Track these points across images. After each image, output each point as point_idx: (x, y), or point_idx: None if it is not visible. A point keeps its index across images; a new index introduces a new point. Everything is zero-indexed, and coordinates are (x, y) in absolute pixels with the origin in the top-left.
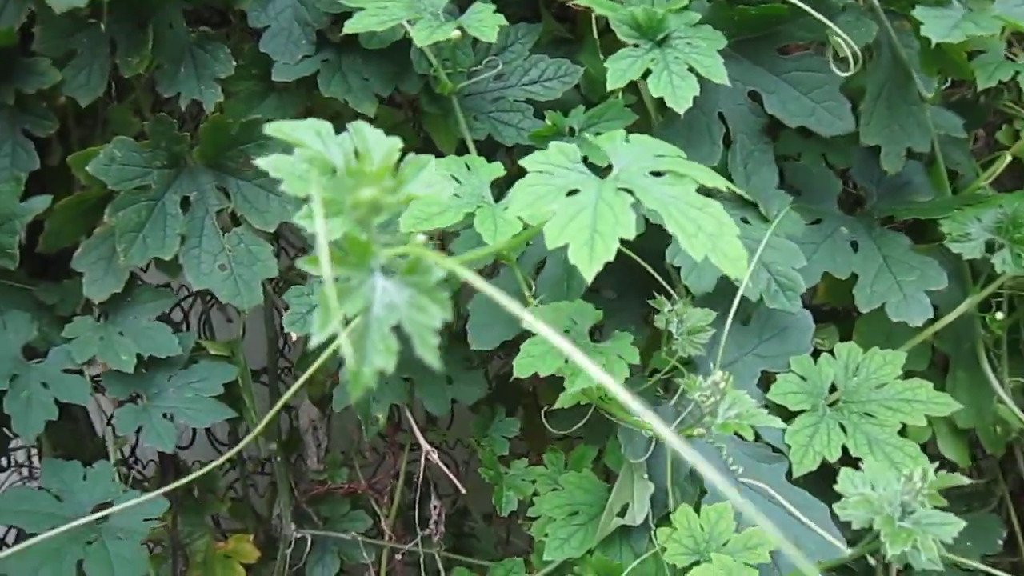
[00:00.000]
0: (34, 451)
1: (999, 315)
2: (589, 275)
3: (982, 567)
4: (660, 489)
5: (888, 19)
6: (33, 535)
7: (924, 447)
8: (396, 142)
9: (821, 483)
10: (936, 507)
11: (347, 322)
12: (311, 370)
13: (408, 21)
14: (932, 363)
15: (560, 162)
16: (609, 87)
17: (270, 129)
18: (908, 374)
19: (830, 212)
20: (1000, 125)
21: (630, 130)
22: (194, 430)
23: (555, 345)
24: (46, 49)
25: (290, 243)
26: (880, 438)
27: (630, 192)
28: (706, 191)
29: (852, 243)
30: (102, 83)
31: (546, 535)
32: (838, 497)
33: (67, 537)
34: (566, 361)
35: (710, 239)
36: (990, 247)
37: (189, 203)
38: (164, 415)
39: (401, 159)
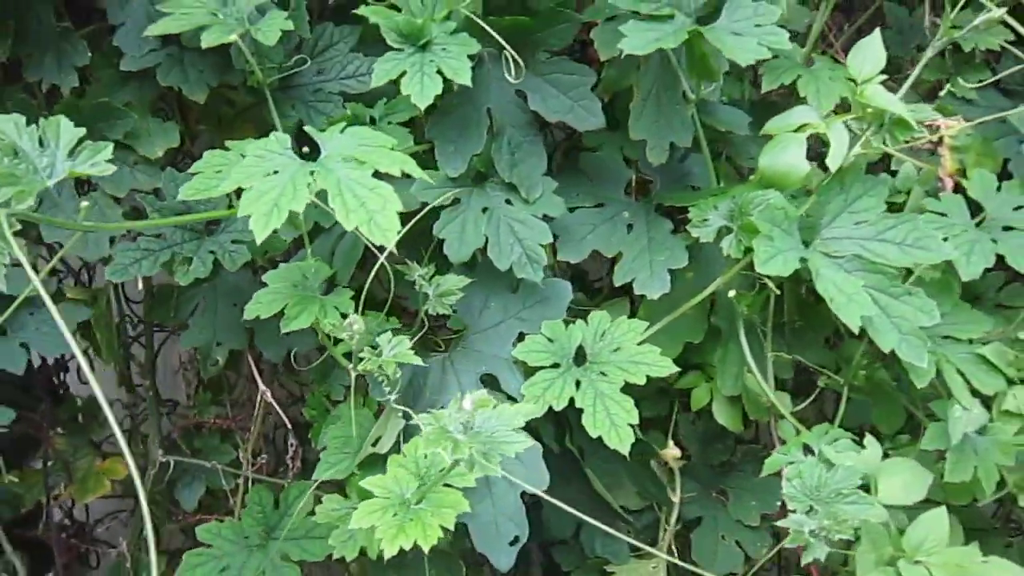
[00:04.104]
0: None
1: (731, 293)
2: (260, 238)
3: None
4: None
5: None
6: None
7: (703, 412)
8: (80, 132)
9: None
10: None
11: None
12: None
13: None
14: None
15: (274, 148)
16: (372, 85)
17: None
18: (687, 346)
19: (615, 198)
20: None
21: (416, 119)
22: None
23: (279, 294)
24: None
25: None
26: (605, 392)
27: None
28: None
29: (629, 226)
30: None
31: None
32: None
33: None
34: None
35: (368, 213)
36: (722, 232)
37: None
38: (21, 345)
39: (78, 144)
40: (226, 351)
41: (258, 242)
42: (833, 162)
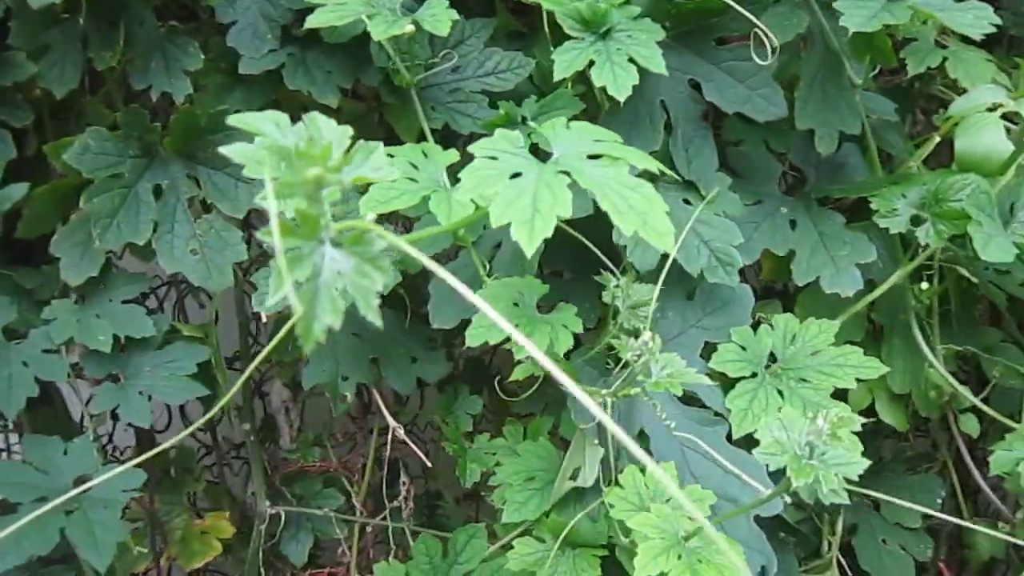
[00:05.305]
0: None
1: (924, 285)
2: (530, 250)
3: None
4: (612, 453)
5: (821, 10)
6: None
7: (864, 412)
8: (347, 130)
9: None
10: (845, 449)
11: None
12: (273, 343)
13: (366, 16)
14: (870, 334)
15: (505, 148)
16: (556, 78)
17: (234, 120)
18: (845, 344)
19: (770, 193)
20: (937, 109)
21: (578, 118)
22: (169, 414)
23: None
24: (21, 43)
25: (257, 229)
26: (814, 400)
27: (567, 174)
28: (650, 175)
29: (791, 222)
30: (76, 76)
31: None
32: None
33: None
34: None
35: (640, 216)
36: (916, 221)
37: (161, 191)
38: (140, 393)
39: (352, 145)
40: (354, 386)
41: (528, 255)
42: None
